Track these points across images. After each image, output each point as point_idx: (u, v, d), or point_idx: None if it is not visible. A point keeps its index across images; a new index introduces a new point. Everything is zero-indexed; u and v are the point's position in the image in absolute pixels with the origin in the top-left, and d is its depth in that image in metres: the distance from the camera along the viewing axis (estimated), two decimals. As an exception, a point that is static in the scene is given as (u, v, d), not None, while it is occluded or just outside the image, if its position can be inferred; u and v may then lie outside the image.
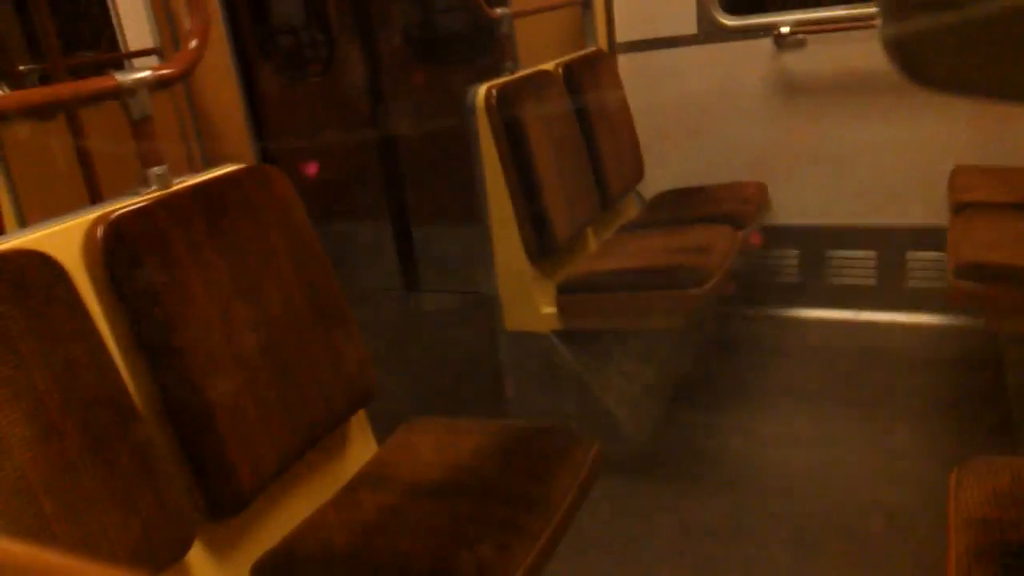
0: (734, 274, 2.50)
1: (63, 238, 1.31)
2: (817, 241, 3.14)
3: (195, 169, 1.72)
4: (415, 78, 3.90)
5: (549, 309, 2.51)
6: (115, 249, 1.31)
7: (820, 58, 3.00)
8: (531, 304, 2.53)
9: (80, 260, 1.31)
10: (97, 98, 1.52)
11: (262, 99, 4.12)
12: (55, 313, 1.18)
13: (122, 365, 1.29)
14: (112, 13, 4.38)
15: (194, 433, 1.34)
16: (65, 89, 1.57)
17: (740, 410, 2.71)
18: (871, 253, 3.08)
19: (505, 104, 2.45)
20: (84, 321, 1.22)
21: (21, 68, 3.81)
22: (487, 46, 3.28)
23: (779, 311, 3.19)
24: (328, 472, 1.68)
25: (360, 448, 1.78)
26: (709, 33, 3.12)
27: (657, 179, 3.28)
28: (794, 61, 3.05)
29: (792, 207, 3.14)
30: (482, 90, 2.46)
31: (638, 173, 3.18)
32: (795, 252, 3.19)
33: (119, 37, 4.43)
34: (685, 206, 3.02)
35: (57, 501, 1.12)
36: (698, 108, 3.20)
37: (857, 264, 3.10)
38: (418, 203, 3.99)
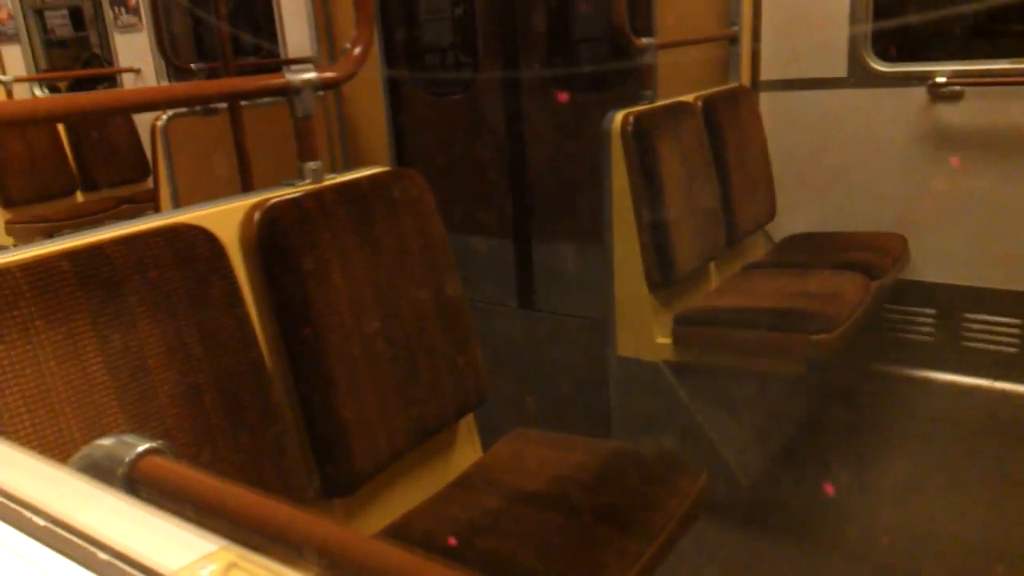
0: (864, 325, 2.40)
1: (224, 218, 1.42)
2: (957, 302, 2.97)
3: (337, 168, 1.81)
4: (552, 101, 3.97)
5: (664, 339, 2.49)
6: (268, 232, 1.41)
7: (977, 112, 2.86)
8: (646, 332, 2.52)
9: (236, 239, 1.42)
10: (266, 94, 1.64)
11: (404, 111, 4.30)
12: (211, 283, 1.28)
13: (261, 339, 1.38)
14: (277, 24, 4.71)
15: (318, 411, 1.42)
16: (239, 83, 1.71)
17: (854, 467, 2.59)
18: (1016, 320, 2.88)
19: (641, 132, 2.46)
20: (235, 294, 1.32)
21: (192, 66, 4.13)
22: (628, 74, 3.30)
23: (908, 370, 3.03)
24: (435, 469, 1.73)
25: (466, 450, 1.83)
26: (859, 78, 3.03)
27: (789, 221, 3.19)
28: (948, 113, 2.91)
29: (933, 264, 2.99)
30: (619, 116, 2.49)
31: (770, 213, 3.11)
32: (931, 311, 3.03)
33: (280, 45, 4.75)
34: (817, 251, 2.92)
35: (192, 461, 1.21)
36: (840, 152, 3.11)
37: (999, 331, 2.91)
38: (542, 223, 4.04)
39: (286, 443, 1.33)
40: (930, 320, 3.04)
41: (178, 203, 3.37)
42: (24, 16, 6.80)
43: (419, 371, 1.61)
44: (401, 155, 4.27)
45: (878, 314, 2.91)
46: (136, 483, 0.51)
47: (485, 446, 1.85)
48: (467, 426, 1.85)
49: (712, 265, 2.85)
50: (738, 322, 2.36)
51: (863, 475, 2.54)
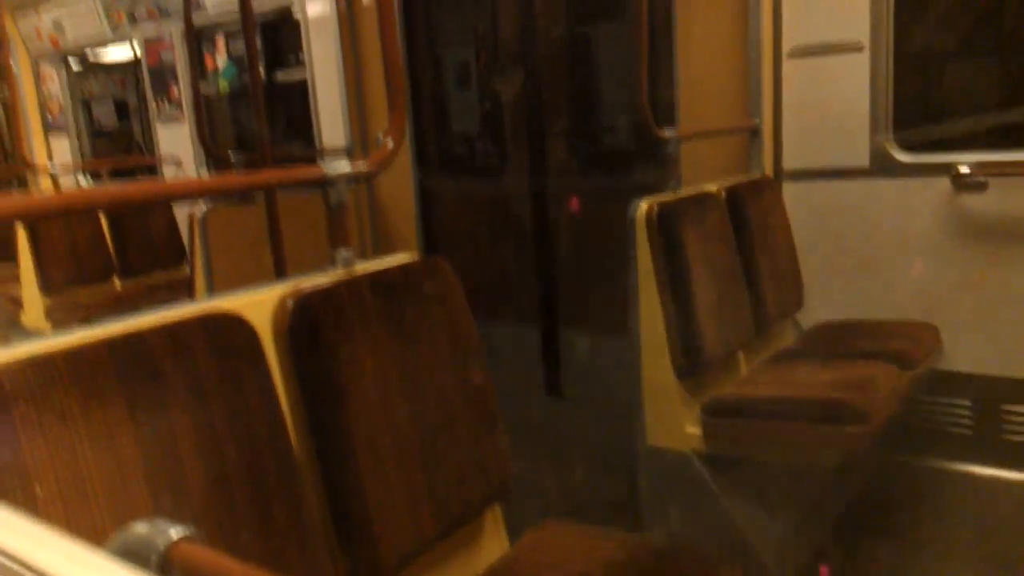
0: (899, 417, 2.35)
1: (257, 305, 1.45)
2: (993, 393, 2.91)
3: (367, 252, 1.85)
4: (578, 190, 4.05)
5: (693, 429, 2.46)
6: (301, 319, 1.44)
7: (1002, 202, 2.86)
8: (675, 421, 2.49)
9: (269, 325, 1.45)
10: (303, 184, 1.70)
11: (433, 199, 4.41)
12: (244, 370, 1.30)
13: (290, 426, 1.39)
14: (313, 116, 4.91)
15: (345, 500, 1.41)
16: (277, 174, 1.78)
17: (890, 565, 2.49)
18: (1055, 412, 2.80)
19: (666, 220, 2.49)
20: (266, 381, 1.34)
21: (231, 157, 4.29)
22: (652, 164, 3.37)
23: (946, 463, 2.94)
24: (461, 561, 1.70)
25: (492, 543, 1.79)
26: (882, 168, 3.06)
27: (817, 309, 3.18)
28: (974, 202, 2.92)
29: (965, 354, 2.94)
30: (644, 205, 2.53)
31: (797, 301, 3.10)
32: (967, 402, 2.96)
33: (316, 136, 4.94)
34: (847, 339, 2.89)
35: (219, 548, 1.20)
36: (866, 241, 3.11)
37: (1039, 422, 2.83)
38: (568, 309, 4.06)
39: (312, 532, 1.32)
40: (966, 412, 2.97)
41: (213, 289, 3.44)
42: (73, 108, 7.15)
43: (446, 461, 1.60)
44: (428, 241, 4.35)
45: (912, 405, 2.85)
46: (170, 569, 0.52)
47: (512, 535, 1.82)
48: (493, 516, 1.82)
49: (741, 353, 2.84)
50: (769, 412, 2.33)
51: (899, 574, 2.44)
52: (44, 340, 1.17)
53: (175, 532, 0.56)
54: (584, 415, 3.65)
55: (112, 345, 1.18)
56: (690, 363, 2.47)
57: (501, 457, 1.72)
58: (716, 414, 2.40)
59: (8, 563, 0.44)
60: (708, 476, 2.41)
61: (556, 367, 4.05)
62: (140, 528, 0.58)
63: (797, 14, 3.14)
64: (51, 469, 1.05)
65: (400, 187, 4.32)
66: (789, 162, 3.25)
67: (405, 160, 4.31)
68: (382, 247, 4.47)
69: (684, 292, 2.47)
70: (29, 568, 0.43)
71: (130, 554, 0.53)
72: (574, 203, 3.92)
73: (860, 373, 2.44)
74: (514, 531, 1.83)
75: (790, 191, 3.25)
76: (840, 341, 2.90)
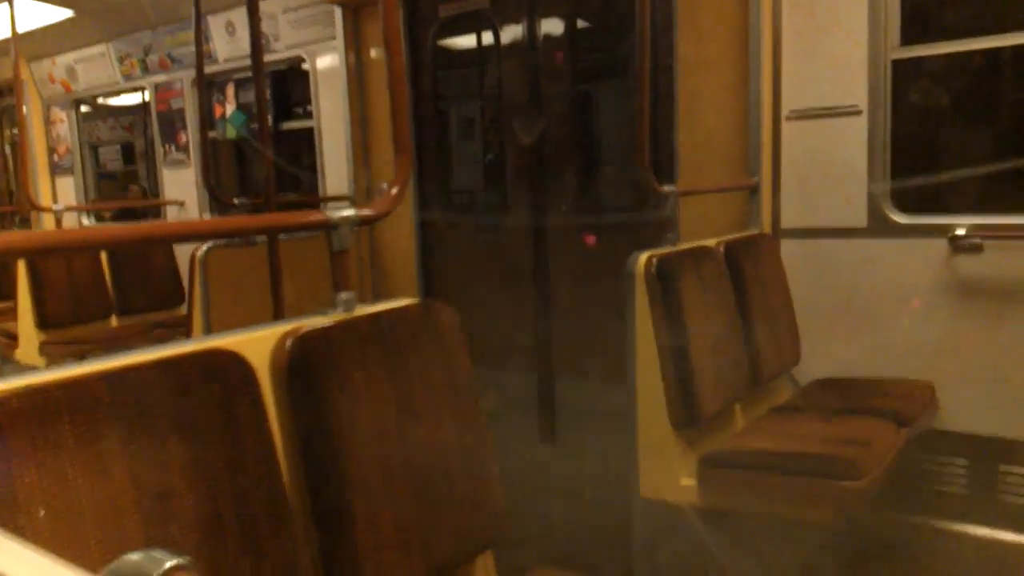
0: (896, 474, 2.34)
1: (256, 343, 1.46)
2: (990, 453, 2.89)
3: (365, 295, 1.86)
4: (577, 241, 4.09)
5: (689, 481, 2.44)
6: (299, 359, 1.45)
7: (998, 264, 2.89)
8: (670, 473, 2.47)
9: (267, 364, 1.45)
10: (307, 228, 1.73)
11: (433, 245, 4.45)
12: (240, 409, 1.30)
13: (283, 466, 1.39)
14: (318, 163, 4.98)
15: (335, 542, 1.39)
16: (282, 218, 1.80)
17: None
18: (1054, 475, 2.79)
19: (664, 273, 2.52)
20: (261, 418, 1.34)
21: (235, 201, 4.34)
22: (651, 218, 3.41)
23: (941, 523, 2.91)
24: (451, 610, 1.67)
25: (484, 592, 1.76)
26: (879, 228, 3.10)
27: (814, 366, 3.18)
28: (970, 263, 2.95)
29: (962, 413, 2.94)
30: (643, 258, 2.56)
31: (794, 357, 3.11)
32: (963, 461, 2.95)
33: (319, 182, 5.00)
34: (844, 396, 2.89)
35: (208, 588, 1.19)
36: (863, 300, 3.14)
37: (1037, 485, 2.81)
38: (565, 359, 4.06)
39: (302, 572, 1.30)
40: (963, 471, 2.95)
41: (210, 329, 3.44)
42: (80, 150, 7.25)
43: (439, 506, 1.59)
44: (428, 287, 4.38)
45: (909, 463, 2.84)
46: (163, 598, 0.52)
47: (503, 587, 1.79)
48: (485, 564, 1.79)
49: (737, 407, 2.83)
50: (766, 466, 2.31)
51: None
52: (41, 372, 1.18)
53: (169, 561, 0.56)
54: (578, 464, 3.62)
55: (109, 379, 1.18)
56: (687, 415, 2.46)
57: (495, 503, 1.71)
58: (713, 467, 2.39)
59: None
60: (703, 530, 2.39)
61: (551, 416, 4.03)
62: (134, 557, 0.58)
63: (796, 78, 3.22)
64: (43, 500, 1.04)
65: (401, 232, 4.36)
66: (787, 220, 3.30)
67: (407, 208, 4.36)
68: (381, 293, 4.50)
69: (681, 344, 2.48)
70: None
71: (123, 581, 0.53)
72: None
73: (857, 429, 2.43)
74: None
75: (788, 248, 3.28)
76: (837, 397, 2.90)
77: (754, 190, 3.23)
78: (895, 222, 3.07)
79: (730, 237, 2.99)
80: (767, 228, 3.28)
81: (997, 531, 2.83)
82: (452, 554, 1.60)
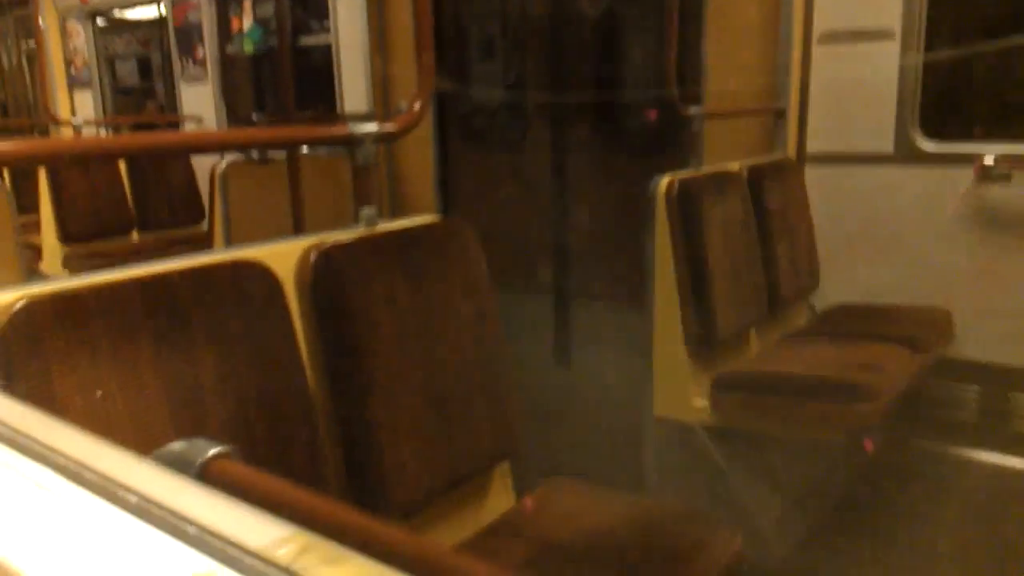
0: (907, 399, 2.36)
1: (282, 256, 1.48)
2: (1003, 381, 2.91)
3: (384, 214, 1.86)
4: (597, 163, 4.06)
5: (702, 402, 2.48)
6: (323, 271, 1.47)
7: (1024, 193, 2.85)
8: (683, 393, 2.51)
9: (292, 276, 1.48)
10: (330, 143, 1.73)
11: (451, 165, 4.42)
12: (267, 317, 1.33)
13: (309, 374, 1.42)
14: (336, 81, 4.91)
15: (358, 445, 1.44)
16: (306, 131, 1.80)
17: (890, 546, 2.51)
18: (1065, 404, 2.81)
19: (686, 196, 2.50)
20: (288, 328, 1.37)
21: (253, 117, 4.31)
22: (674, 140, 3.36)
23: (952, 448, 2.96)
24: (468, 515, 1.73)
25: (499, 498, 1.83)
26: (905, 155, 3.05)
27: (832, 292, 3.18)
28: (996, 193, 2.90)
29: (978, 341, 2.94)
30: (665, 181, 2.53)
31: (812, 283, 3.11)
32: (976, 388, 2.97)
33: (338, 101, 4.94)
34: (860, 322, 2.90)
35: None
36: (885, 227, 3.11)
37: (1048, 414, 2.84)
38: (581, 281, 4.08)
39: (325, 475, 1.36)
40: (975, 398, 2.98)
41: (230, 244, 3.48)
42: (97, 65, 7.18)
43: (458, 415, 1.63)
44: (445, 207, 4.37)
45: (922, 389, 2.87)
46: (207, 482, 0.54)
47: (519, 495, 1.86)
48: (502, 473, 1.85)
49: (753, 331, 2.85)
50: (778, 388, 2.35)
51: (898, 554, 2.47)
52: (75, 278, 1.20)
53: (212, 449, 0.59)
54: (592, 385, 3.68)
55: (142, 286, 1.21)
56: (702, 337, 2.48)
57: (512, 415, 1.75)
58: (726, 388, 2.43)
59: (73, 467, 0.46)
60: (714, 449, 2.44)
61: (567, 337, 4.08)
62: (178, 445, 0.61)
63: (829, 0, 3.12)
64: (78, 401, 1.08)
65: (420, 152, 4.33)
66: (813, 145, 3.24)
67: (426, 127, 4.31)
68: (400, 210, 4.49)
69: (700, 267, 2.48)
70: (92, 471, 0.46)
71: (170, 466, 0.56)
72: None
73: (871, 354, 2.45)
74: (522, 491, 1.86)
75: (812, 174, 3.24)
76: (853, 323, 2.91)
77: (780, 114, 3.17)
78: (922, 149, 3.02)
79: (754, 161, 2.95)
80: (792, 153, 3.23)
81: (1007, 457, 2.87)
82: (470, 462, 1.66)
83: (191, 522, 0.39)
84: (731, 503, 2.40)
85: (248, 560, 0.36)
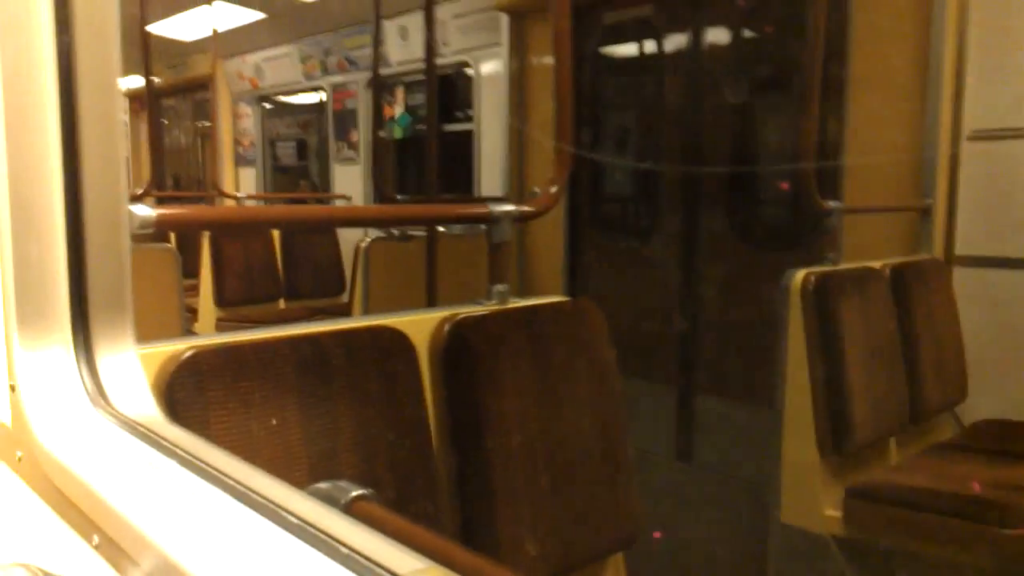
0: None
1: (418, 325, 1.55)
2: None
3: (514, 294, 1.90)
4: (729, 256, 4.01)
5: (834, 511, 2.34)
6: (456, 342, 1.53)
7: None
8: (814, 501, 2.38)
9: (426, 345, 1.54)
10: (470, 221, 1.82)
11: (580, 251, 4.50)
12: (402, 382, 1.40)
13: (434, 437, 1.47)
14: (475, 167, 5.16)
15: (474, 517, 1.46)
16: (448, 209, 1.91)
17: None
18: None
19: (823, 292, 2.43)
20: (419, 393, 1.43)
21: (398, 197, 4.58)
22: (809, 236, 3.29)
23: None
24: (580, 603, 1.70)
25: (613, 591, 1.78)
26: (1067, 262, 2.85)
27: (981, 405, 2.96)
28: None
29: None
30: (800, 275, 2.48)
31: (959, 394, 2.91)
32: None
33: (475, 185, 5.18)
34: (1013, 439, 2.67)
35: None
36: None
37: None
38: (707, 376, 3.99)
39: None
40: None
41: (368, 313, 3.66)
42: (262, 146, 7.87)
43: (577, 499, 1.62)
44: (573, 291, 4.43)
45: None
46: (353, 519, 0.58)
47: (632, 592, 1.80)
48: (616, 565, 1.81)
49: (892, 441, 2.68)
50: (919, 504, 2.18)
51: None
52: (235, 334, 1.31)
53: (355, 491, 0.63)
54: (714, 485, 3.55)
55: (292, 344, 1.31)
56: (837, 442, 2.36)
57: (631, 505, 1.72)
58: (861, 498, 2.28)
59: (242, 489, 0.52)
60: (845, 563, 2.29)
61: (689, 432, 3.97)
62: (325, 485, 0.65)
63: (981, 95, 3.01)
64: (229, 442, 1.17)
65: (551, 236, 4.43)
66: (962, 247, 3.09)
67: (558, 211, 4.43)
68: (528, 290, 4.59)
69: (836, 367, 2.39)
70: (258, 495, 0.51)
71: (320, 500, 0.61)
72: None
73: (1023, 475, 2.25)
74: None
75: (960, 277, 3.07)
76: (1005, 440, 2.68)
77: (926, 212, 3.05)
78: (1085, 256, 2.81)
79: (897, 260, 2.84)
80: (939, 253, 3.08)
81: None
82: (585, 550, 1.63)
83: (344, 544, 0.43)
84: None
85: (393, 582, 0.39)
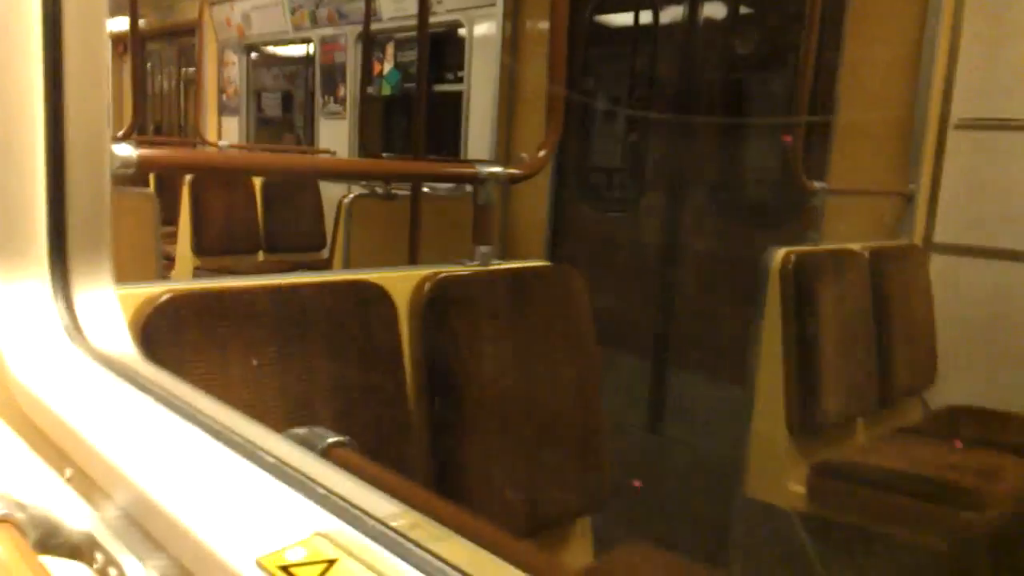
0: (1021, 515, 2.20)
1: (399, 282, 1.55)
2: None
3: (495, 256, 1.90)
4: (711, 232, 4.03)
5: (797, 487, 2.38)
6: (436, 299, 1.53)
7: None
8: (779, 477, 2.42)
9: (406, 301, 1.54)
10: (455, 180, 1.81)
11: (563, 217, 4.49)
12: (380, 336, 1.40)
13: (410, 391, 1.48)
14: (462, 130, 5.11)
15: (447, 471, 1.47)
16: (434, 167, 1.90)
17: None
18: None
19: (802, 272, 2.45)
20: (397, 349, 1.43)
21: (383, 155, 4.54)
22: (791, 215, 3.31)
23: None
24: (545, 563, 1.72)
25: (577, 554, 1.81)
26: (1046, 255, 2.89)
27: (949, 392, 3.01)
28: None
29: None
30: (780, 254, 2.49)
31: (928, 379, 2.96)
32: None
33: (462, 148, 5.13)
34: (979, 426, 2.73)
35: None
36: (1013, 329, 2.93)
37: None
38: (682, 348, 4.03)
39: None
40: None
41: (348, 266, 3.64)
42: (247, 96, 7.74)
43: (548, 461, 1.64)
44: (554, 257, 4.43)
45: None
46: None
47: (597, 554, 1.83)
48: (582, 528, 1.83)
49: (860, 422, 2.73)
50: (883, 484, 2.23)
51: None
52: (216, 280, 1.30)
53: (331, 437, 0.64)
54: (682, 456, 3.61)
55: (271, 293, 1.30)
56: (805, 420, 2.40)
57: (601, 471, 1.74)
58: (826, 476, 2.33)
59: (219, 428, 0.52)
60: (804, 537, 2.34)
61: (661, 405, 4.02)
62: (301, 431, 0.65)
63: (971, 86, 3.03)
64: (204, 387, 1.16)
65: (535, 201, 4.42)
66: (942, 235, 3.12)
67: (544, 177, 4.41)
68: (509, 253, 4.59)
69: (810, 347, 2.41)
70: (236, 434, 0.51)
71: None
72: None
73: (987, 461, 2.31)
74: (599, 551, 1.84)
75: (938, 265, 3.11)
76: (970, 427, 2.74)
77: (909, 198, 3.07)
78: (1064, 251, 2.85)
79: (877, 244, 2.87)
80: (918, 240, 3.11)
81: None
82: (553, 511, 1.66)
83: (321, 485, 0.43)
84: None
85: (370, 522, 0.39)
